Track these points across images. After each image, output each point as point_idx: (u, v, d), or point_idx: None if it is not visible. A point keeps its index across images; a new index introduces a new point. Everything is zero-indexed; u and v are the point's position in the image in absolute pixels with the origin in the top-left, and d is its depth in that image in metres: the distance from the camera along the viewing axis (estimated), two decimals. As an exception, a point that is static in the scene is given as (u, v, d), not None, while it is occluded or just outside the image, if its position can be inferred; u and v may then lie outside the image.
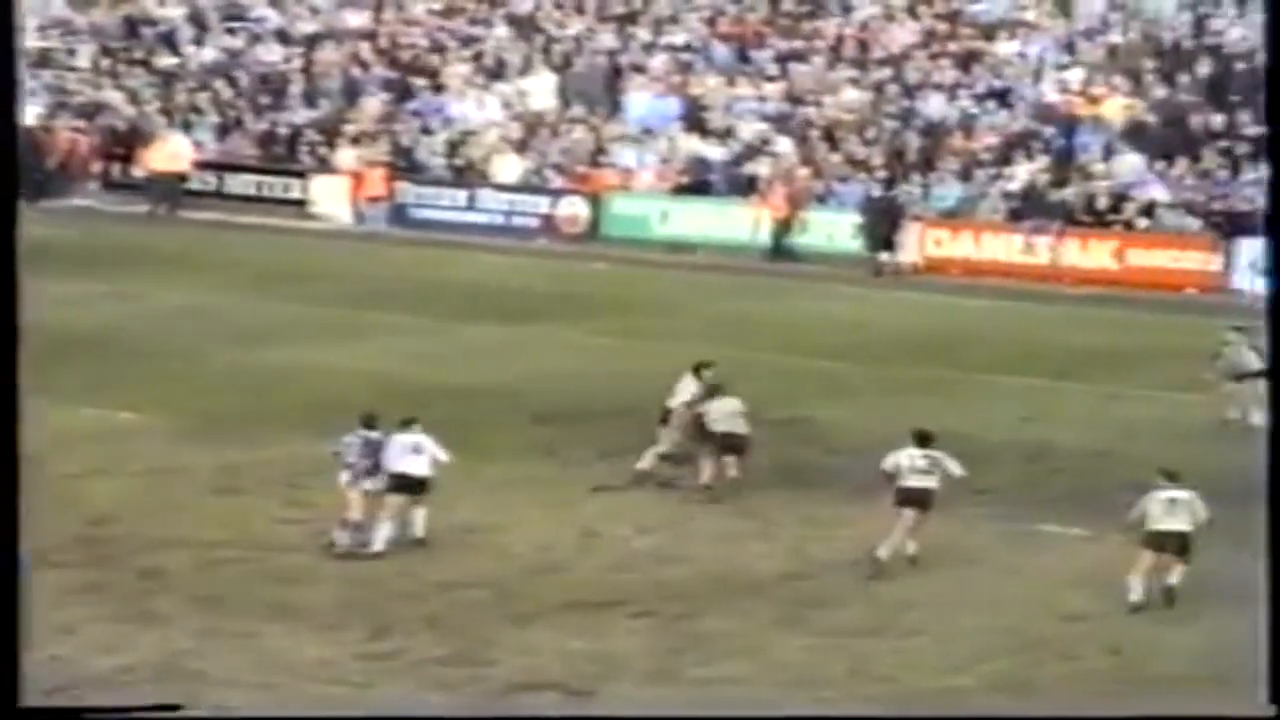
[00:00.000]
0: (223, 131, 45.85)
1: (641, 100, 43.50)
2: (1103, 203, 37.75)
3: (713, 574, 19.70)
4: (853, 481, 22.67)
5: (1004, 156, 39.39)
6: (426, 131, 44.21)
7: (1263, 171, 34.70)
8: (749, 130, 41.77)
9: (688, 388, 22.59)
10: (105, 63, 48.24)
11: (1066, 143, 39.28)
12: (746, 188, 40.69)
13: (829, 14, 44.10)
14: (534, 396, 26.51)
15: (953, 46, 42.21)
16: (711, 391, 22.36)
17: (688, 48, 44.54)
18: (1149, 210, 37.36)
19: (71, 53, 48.75)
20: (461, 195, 42.75)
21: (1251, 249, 35.06)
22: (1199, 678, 17.18)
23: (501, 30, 46.56)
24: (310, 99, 46.00)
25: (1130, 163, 38.39)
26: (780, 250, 39.29)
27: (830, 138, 41.06)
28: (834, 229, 39.45)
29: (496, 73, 45.44)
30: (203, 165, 44.46)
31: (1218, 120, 38.19)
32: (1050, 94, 40.46)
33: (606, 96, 43.90)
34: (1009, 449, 21.10)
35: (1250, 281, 34.44)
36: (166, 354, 28.47)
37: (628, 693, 16.61)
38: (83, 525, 20.27)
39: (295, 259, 38.06)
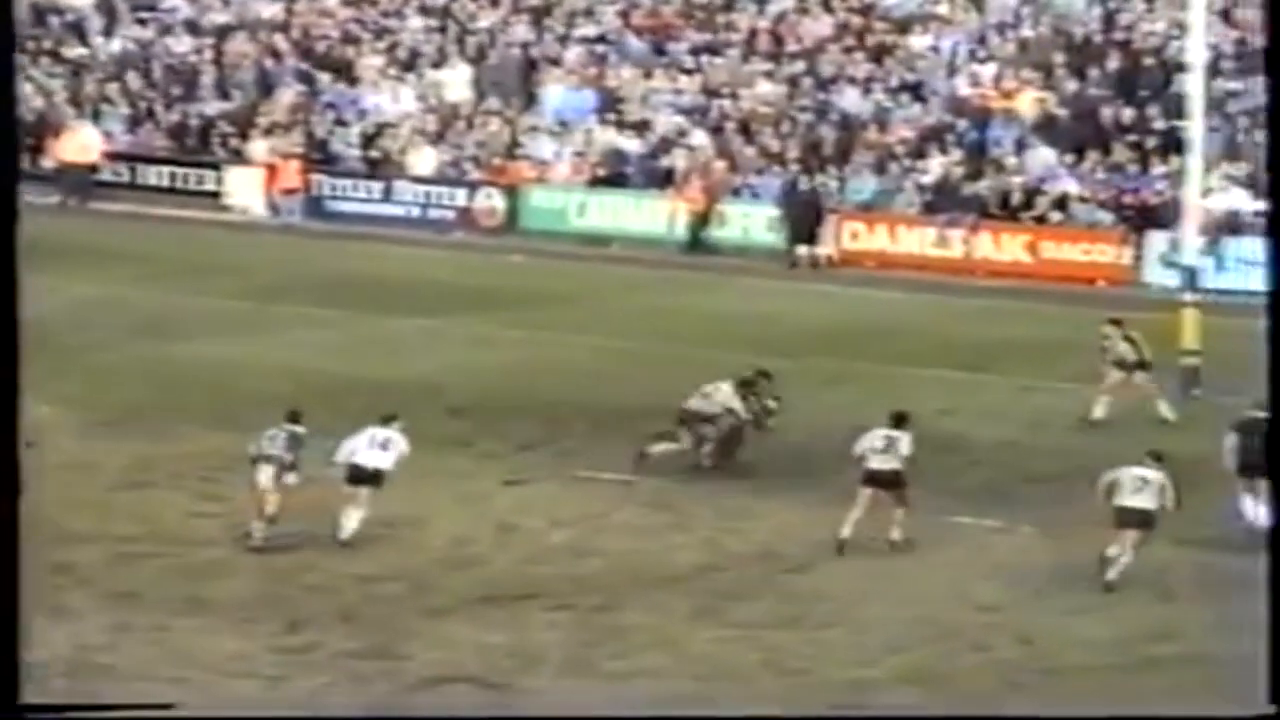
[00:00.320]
0: (134, 123, 45.48)
1: (557, 93, 43.45)
2: (1016, 196, 38.01)
3: (629, 567, 19.74)
4: (767, 474, 22.77)
5: (918, 150, 39.58)
6: (341, 123, 44.01)
7: (1173, 165, 35.05)
8: (665, 123, 41.81)
9: (723, 394, 22.81)
10: (14, 52, 47.71)
11: (979, 136, 39.50)
12: (663, 180, 40.73)
13: (744, 7, 44.21)
14: (450, 389, 26.46)
15: (867, 40, 42.40)
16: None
17: (602, 40, 44.54)
18: (1062, 204, 37.63)
19: (-22, 42, 48.22)
20: (377, 187, 42.59)
21: (1161, 242, 35.41)
22: (1106, 667, 17.35)
23: (415, 22, 46.41)
24: (223, 90, 45.71)
25: (1042, 156, 38.66)
26: (697, 243, 39.35)
27: (746, 131, 41.15)
28: (750, 222, 39.54)
29: (411, 64, 45.30)
30: (114, 156, 44.09)
31: (1128, 114, 38.51)
32: (963, 88, 40.70)
33: (522, 89, 43.82)
34: (924, 441, 21.21)
35: (1160, 274, 34.79)
36: (78, 347, 28.22)
37: (544, 686, 16.62)
38: (-8, 520, 20.06)
39: (209, 251, 37.81)
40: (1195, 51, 28.60)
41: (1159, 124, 37.58)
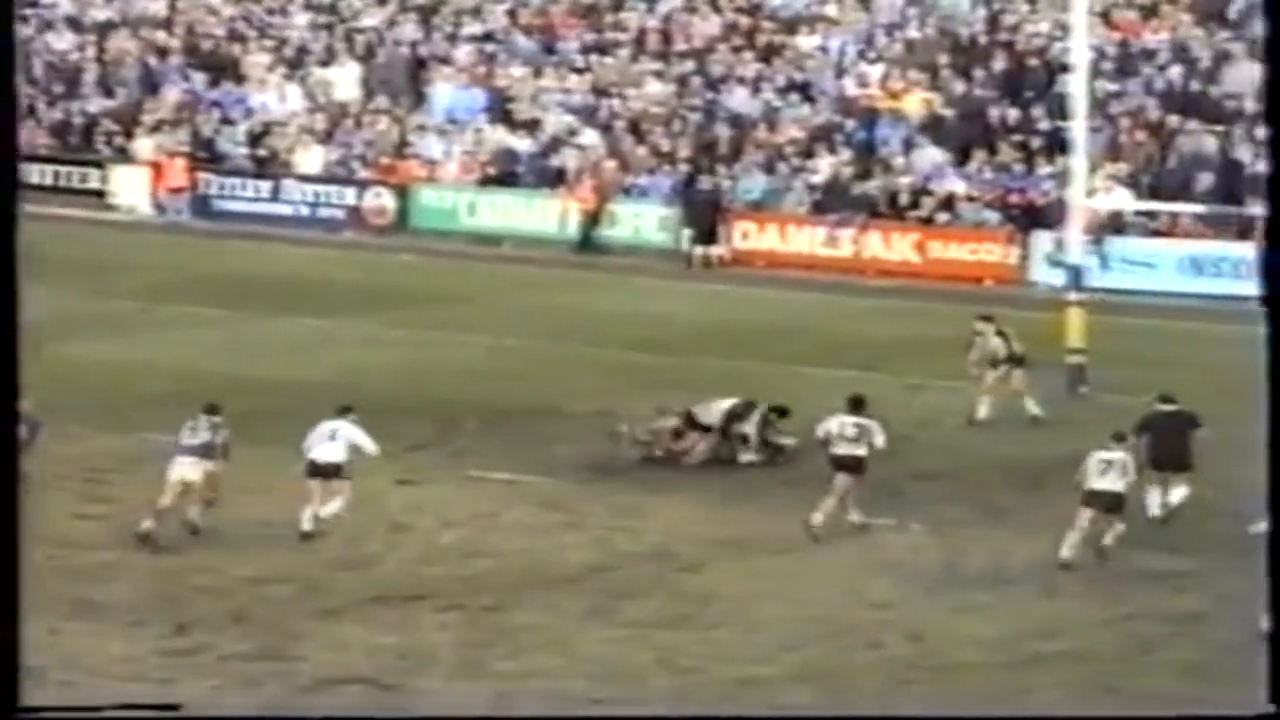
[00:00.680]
0: (16, 120, 44.92)
1: (446, 91, 43.31)
2: (904, 196, 38.28)
3: (520, 566, 19.72)
4: (658, 473, 22.81)
5: (807, 150, 39.77)
6: (228, 121, 43.65)
7: (1058, 165, 35.40)
8: (555, 122, 41.78)
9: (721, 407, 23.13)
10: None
11: (868, 136, 39.75)
12: (554, 180, 40.70)
13: (632, 6, 44.25)
14: (339, 389, 26.22)
15: (756, 40, 42.55)
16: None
17: (491, 39, 44.45)
18: (949, 203, 37.93)
19: None
20: (265, 186, 42.28)
21: (1047, 241, 35.78)
22: (994, 664, 17.50)
23: (302, 19, 46.11)
24: (106, 87, 45.22)
25: (929, 156, 38.95)
26: (588, 242, 39.35)
27: (636, 130, 41.20)
28: (641, 221, 39.59)
29: (298, 63, 45.00)
30: (-4, 154, 43.52)
31: (1013, 115, 38.88)
32: (851, 88, 40.93)
33: (411, 87, 43.64)
34: (814, 440, 21.35)
35: (1046, 273, 35.15)
36: (-40, 348, 27.79)
37: (436, 687, 16.57)
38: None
39: (95, 250, 37.37)
40: (1078, 53, 28.91)
41: (1044, 124, 37.97)
